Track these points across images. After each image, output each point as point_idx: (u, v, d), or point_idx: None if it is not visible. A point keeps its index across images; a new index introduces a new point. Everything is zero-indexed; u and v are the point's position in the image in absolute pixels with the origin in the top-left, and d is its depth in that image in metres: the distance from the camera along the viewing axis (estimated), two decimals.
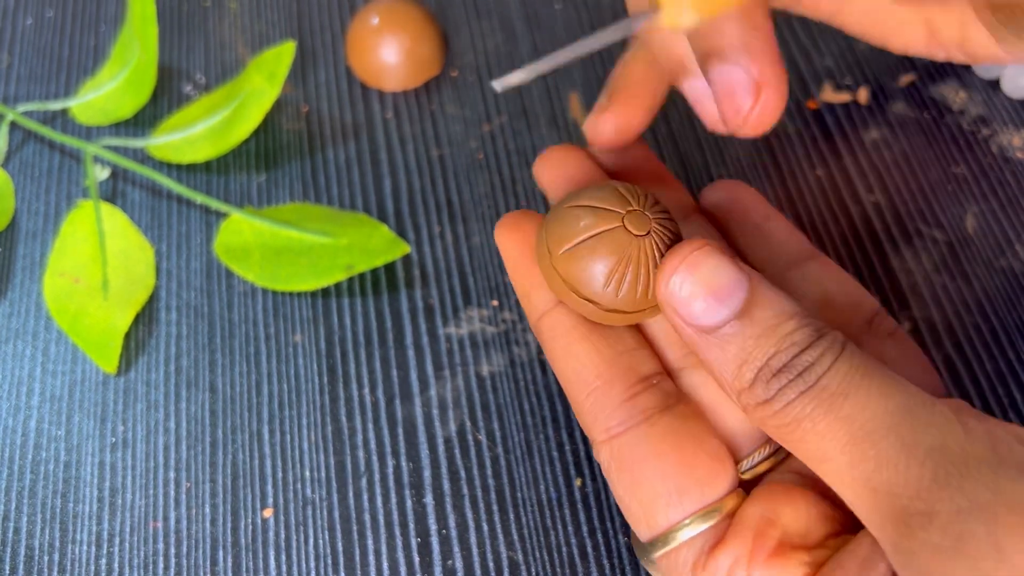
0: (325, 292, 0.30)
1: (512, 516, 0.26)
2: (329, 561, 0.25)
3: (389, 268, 0.30)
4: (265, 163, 0.33)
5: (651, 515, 0.20)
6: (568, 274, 0.20)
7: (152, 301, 0.30)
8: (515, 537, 0.26)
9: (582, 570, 0.25)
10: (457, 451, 0.27)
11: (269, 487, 0.27)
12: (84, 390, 0.29)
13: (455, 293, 0.30)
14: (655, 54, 0.24)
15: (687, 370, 0.22)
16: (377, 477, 0.27)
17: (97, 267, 0.31)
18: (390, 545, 0.26)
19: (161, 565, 0.26)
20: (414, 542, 0.26)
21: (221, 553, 0.26)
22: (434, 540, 0.26)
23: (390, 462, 0.27)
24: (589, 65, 0.35)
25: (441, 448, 0.27)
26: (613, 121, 0.25)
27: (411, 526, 0.26)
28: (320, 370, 0.29)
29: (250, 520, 0.26)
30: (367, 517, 0.26)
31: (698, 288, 0.18)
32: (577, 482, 0.26)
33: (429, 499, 0.26)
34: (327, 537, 0.26)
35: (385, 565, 0.25)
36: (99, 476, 0.27)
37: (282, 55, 0.33)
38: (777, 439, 0.18)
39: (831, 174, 0.32)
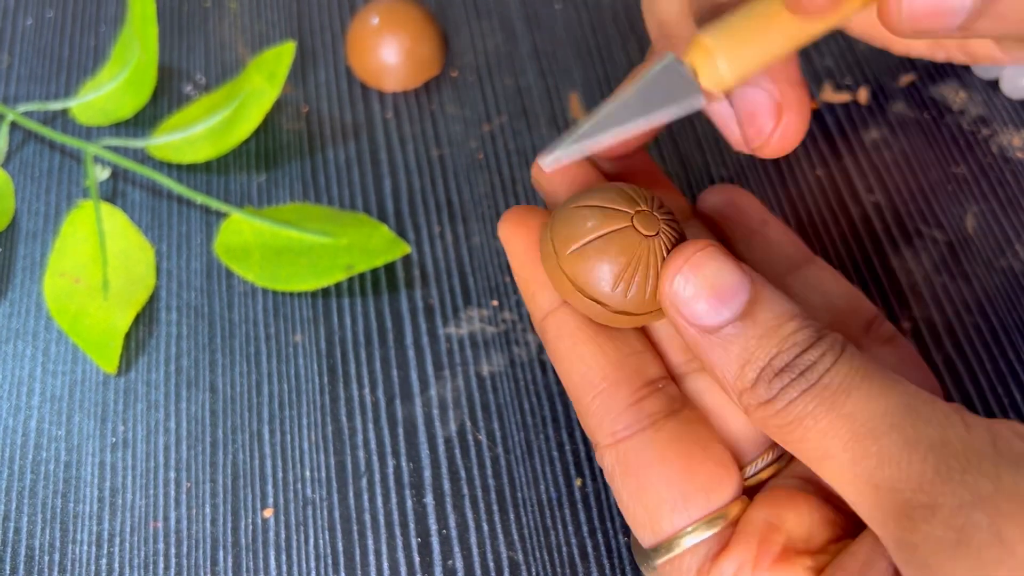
0: (325, 292, 0.30)
1: (512, 516, 0.26)
2: (329, 561, 0.25)
3: (389, 268, 0.30)
4: (265, 163, 0.33)
5: (656, 521, 0.20)
6: (575, 275, 0.20)
7: (152, 301, 0.30)
8: (515, 537, 0.26)
9: (582, 570, 0.25)
10: (457, 451, 0.27)
11: (269, 487, 0.27)
12: (84, 390, 0.29)
13: (455, 293, 0.30)
14: None
15: (691, 375, 0.22)
16: (377, 477, 0.27)
17: (97, 267, 0.31)
18: (390, 545, 0.26)
19: (161, 565, 0.26)
20: (414, 542, 0.26)
21: (221, 553, 0.26)
22: (434, 540, 0.26)
23: (390, 462, 0.27)
24: (589, 65, 0.35)
25: (441, 448, 0.27)
26: None
27: (411, 526, 0.26)
28: (320, 370, 0.29)
29: (250, 520, 0.26)
30: (367, 517, 0.26)
31: (701, 288, 0.18)
32: (577, 482, 0.26)
33: (429, 499, 0.26)
34: (327, 537, 0.26)
35: (385, 565, 0.25)
36: (99, 476, 0.27)
37: (282, 55, 0.33)
38: (778, 439, 0.18)
39: (831, 174, 0.32)
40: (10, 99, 0.35)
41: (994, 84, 0.33)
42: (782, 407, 0.17)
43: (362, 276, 0.30)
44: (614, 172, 0.25)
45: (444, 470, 0.27)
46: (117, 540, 0.26)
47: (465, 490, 0.26)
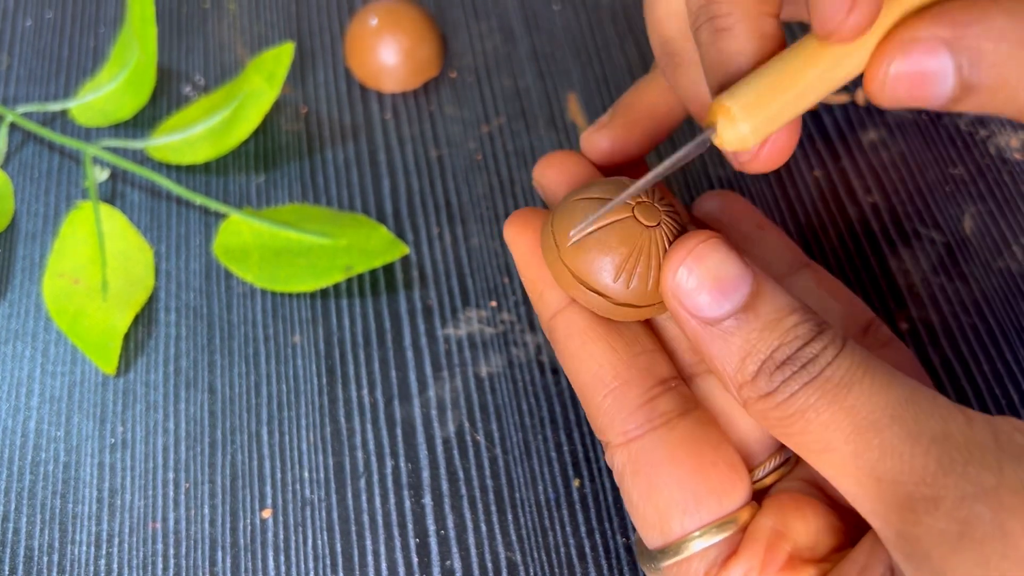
0: (324, 293, 0.30)
1: (510, 517, 0.26)
2: (328, 562, 0.26)
3: (388, 269, 0.30)
4: (264, 164, 0.33)
5: (665, 522, 0.20)
6: (577, 266, 0.20)
7: (151, 302, 0.30)
8: (513, 538, 0.26)
9: (580, 570, 0.25)
10: (456, 452, 0.27)
11: (268, 488, 0.27)
12: (83, 391, 0.29)
13: (454, 294, 0.30)
14: (676, 88, 0.24)
15: (700, 376, 0.22)
16: (376, 478, 0.27)
17: (96, 268, 0.31)
18: (389, 546, 0.26)
19: (160, 566, 0.26)
20: (413, 543, 0.26)
21: (220, 554, 0.26)
22: (432, 541, 0.26)
23: (389, 463, 0.27)
24: (588, 65, 0.35)
25: (440, 449, 0.27)
26: (610, 139, 0.24)
27: (410, 527, 0.26)
28: (319, 371, 0.29)
29: (249, 521, 0.26)
30: (366, 518, 0.26)
31: (704, 280, 0.18)
32: (575, 483, 0.26)
33: (428, 500, 0.26)
34: (326, 538, 0.26)
35: (384, 565, 0.25)
36: (98, 477, 0.27)
37: (281, 56, 0.33)
38: (776, 433, 0.18)
39: (829, 175, 0.32)
40: (9, 100, 0.35)
41: None
42: (783, 400, 0.17)
43: (361, 277, 0.30)
44: (609, 174, 0.25)
45: (442, 471, 0.27)
46: (116, 541, 0.26)
47: (463, 491, 0.26)
